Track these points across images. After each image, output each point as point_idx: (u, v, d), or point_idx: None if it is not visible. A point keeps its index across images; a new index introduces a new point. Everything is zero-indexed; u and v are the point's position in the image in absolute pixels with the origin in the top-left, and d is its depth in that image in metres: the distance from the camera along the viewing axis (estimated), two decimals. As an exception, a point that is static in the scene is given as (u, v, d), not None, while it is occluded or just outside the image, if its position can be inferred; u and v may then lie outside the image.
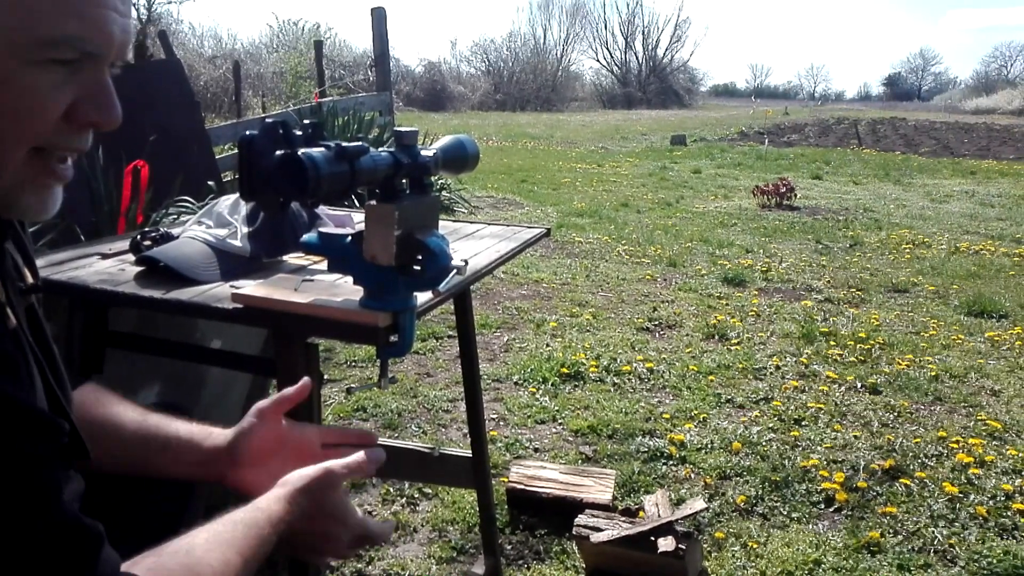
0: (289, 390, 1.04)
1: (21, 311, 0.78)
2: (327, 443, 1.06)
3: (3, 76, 0.66)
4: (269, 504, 0.89)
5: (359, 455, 0.98)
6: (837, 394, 3.29)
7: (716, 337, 3.98)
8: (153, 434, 1.01)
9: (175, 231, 1.52)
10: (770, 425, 2.96)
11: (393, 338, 1.12)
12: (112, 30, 0.70)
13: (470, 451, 1.90)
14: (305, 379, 1.05)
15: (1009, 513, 2.38)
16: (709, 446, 2.76)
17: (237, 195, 1.45)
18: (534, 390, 3.22)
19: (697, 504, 2.13)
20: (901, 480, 2.55)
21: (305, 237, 1.14)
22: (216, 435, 1.03)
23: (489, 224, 1.91)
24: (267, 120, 0.99)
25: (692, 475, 2.57)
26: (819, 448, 2.78)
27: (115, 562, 0.73)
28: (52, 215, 0.75)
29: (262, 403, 1.03)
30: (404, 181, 1.09)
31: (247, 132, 0.99)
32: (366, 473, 0.98)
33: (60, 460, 0.72)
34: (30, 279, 0.85)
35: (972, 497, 2.46)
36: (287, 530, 0.90)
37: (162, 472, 1.01)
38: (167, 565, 0.77)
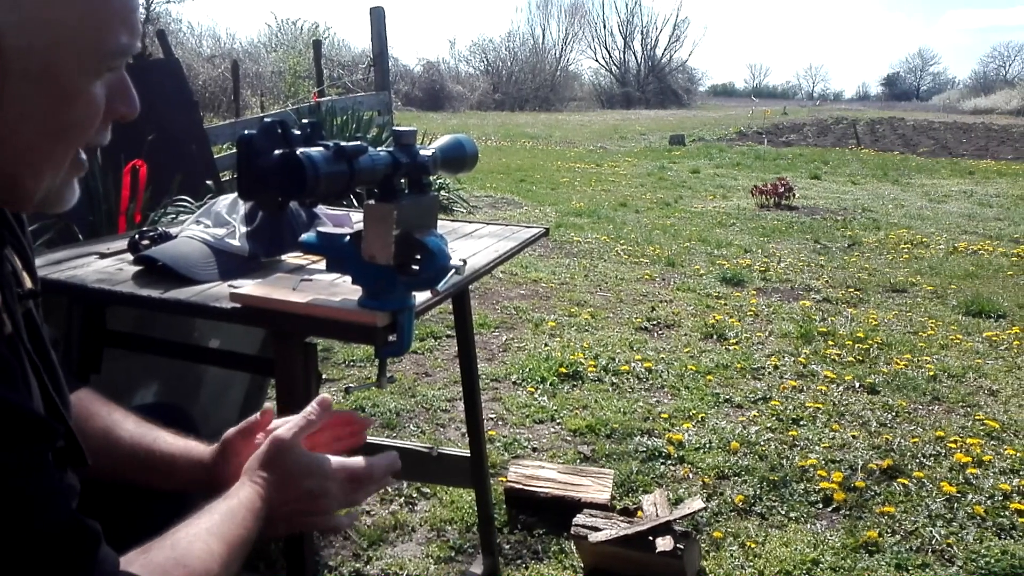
0: (253, 418, 1.04)
1: (18, 316, 0.79)
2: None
3: (77, 91, 0.71)
4: (238, 491, 0.92)
5: (307, 410, 0.99)
6: (835, 394, 3.29)
7: (714, 337, 3.98)
8: (145, 452, 1.04)
9: (173, 230, 1.51)
10: (768, 425, 2.96)
11: (391, 337, 1.12)
12: (139, 29, 0.75)
13: (468, 451, 1.90)
14: (267, 406, 1.04)
15: (1007, 513, 2.38)
16: (707, 446, 2.76)
17: (235, 194, 1.45)
18: (532, 390, 3.22)
19: (695, 504, 2.13)
20: (899, 480, 2.56)
21: (304, 236, 1.14)
22: (201, 454, 1.04)
23: (488, 224, 1.91)
24: (266, 119, 0.99)
25: (690, 475, 2.57)
26: (817, 448, 2.78)
27: (113, 561, 0.73)
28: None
29: (229, 433, 1.03)
30: (403, 181, 1.09)
31: (246, 131, 0.99)
32: (318, 420, 0.99)
33: (56, 462, 0.72)
34: (28, 284, 0.85)
35: (970, 497, 2.46)
36: (268, 509, 0.92)
37: (153, 487, 1.04)
38: (156, 560, 0.79)
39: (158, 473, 1.03)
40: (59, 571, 0.67)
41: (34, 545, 0.66)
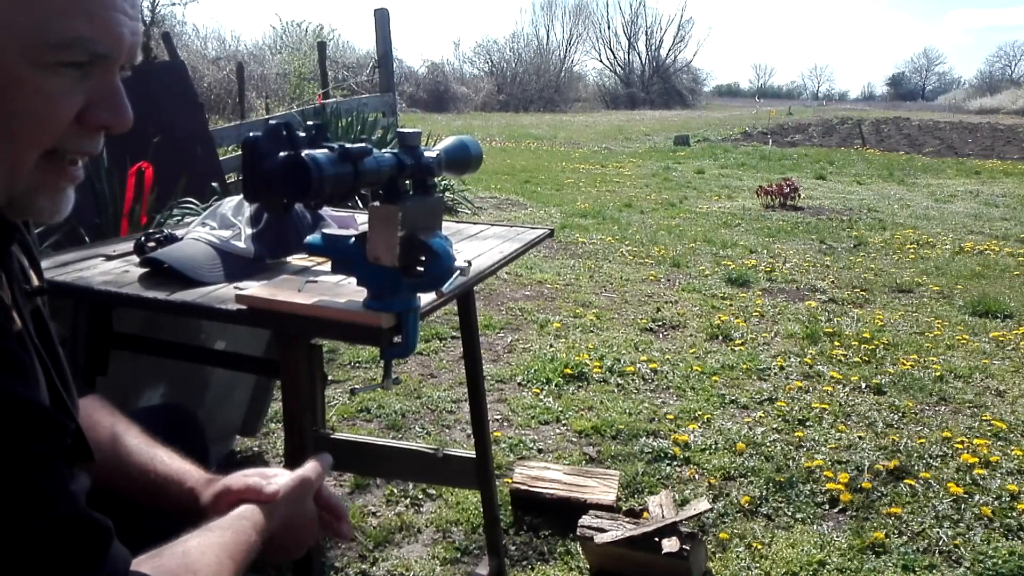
0: (256, 484, 0.99)
1: (27, 313, 0.79)
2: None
3: (16, 79, 0.67)
4: (254, 513, 0.93)
5: (311, 463, 1.05)
6: (841, 394, 3.29)
7: (720, 338, 3.97)
8: (139, 471, 1.04)
9: (179, 232, 1.52)
10: (774, 426, 2.96)
11: (397, 339, 1.12)
12: (122, 32, 0.71)
13: (474, 452, 1.90)
14: (273, 489, 0.98)
15: (1014, 514, 2.37)
16: (713, 447, 2.76)
17: (241, 196, 1.45)
18: (538, 391, 3.21)
19: (701, 505, 2.13)
20: (906, 481, 2.55)
21: (309, 238, 1.14)
22: (195, 483, 1.03)
23: (492, 225, 1.91)
24: (271, 122, 0.99)
25: (696, 476, 2.57)
26: (823, 449, 2.77)
27: (125, 559, 0.74)
28: (64, 216, 0.77)
29: (232, 483, 0.99)
30: (407, 182, 1.09)
31: (251, 134, 0.99)
32: (326, 471, 1.06)
33: (65, 458, 0.72)
34: (36, 281, 0.85)
35: (977, 498, 2.46)
36: (265, 540, 0.93)
37: (138, 503, 1.03)
38: (168, 565, 0.79)
39: (147, 493, 1.03)
40: (70, 566, 0.68)
41: (46, 540, 0.66)
